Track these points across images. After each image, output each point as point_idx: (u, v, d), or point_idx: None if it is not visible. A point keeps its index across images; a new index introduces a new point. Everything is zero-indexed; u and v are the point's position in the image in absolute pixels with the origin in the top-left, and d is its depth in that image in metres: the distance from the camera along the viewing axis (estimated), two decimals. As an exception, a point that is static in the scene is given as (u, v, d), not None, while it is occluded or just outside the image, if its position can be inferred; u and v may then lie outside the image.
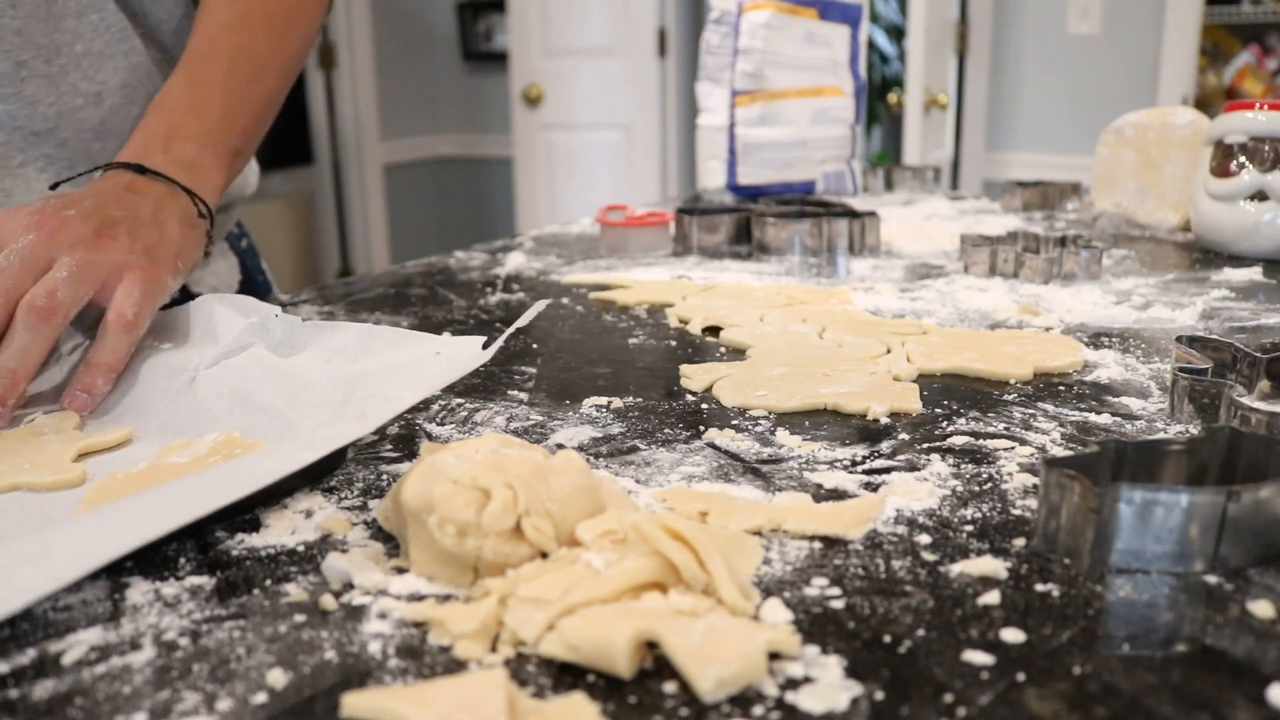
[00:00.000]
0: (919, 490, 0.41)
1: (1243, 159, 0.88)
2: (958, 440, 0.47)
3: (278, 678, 0.29)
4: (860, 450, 0.46)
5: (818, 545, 0.37)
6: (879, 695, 0.28)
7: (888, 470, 0.44)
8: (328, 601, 0.33)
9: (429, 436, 0.49)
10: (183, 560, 0.36)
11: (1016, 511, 0.39)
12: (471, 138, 3.74)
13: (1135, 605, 0.32)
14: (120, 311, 0.53)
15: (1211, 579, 0.34)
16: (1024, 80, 2.92)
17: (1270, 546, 0.34)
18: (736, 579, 0.32)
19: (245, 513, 0.40)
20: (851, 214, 0.96)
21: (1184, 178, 1.03)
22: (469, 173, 3.76)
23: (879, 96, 3.89)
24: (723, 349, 0.65)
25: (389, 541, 0.38)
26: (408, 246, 3.55)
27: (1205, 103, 3.11)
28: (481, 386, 0.57)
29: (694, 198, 1.24)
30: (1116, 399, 0.53)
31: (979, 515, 0.39)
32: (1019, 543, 0.37)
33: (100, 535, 0.33)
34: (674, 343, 0.66)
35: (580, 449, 0.47)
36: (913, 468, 0.44)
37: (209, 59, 0.69)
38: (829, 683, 0.28)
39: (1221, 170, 0.89)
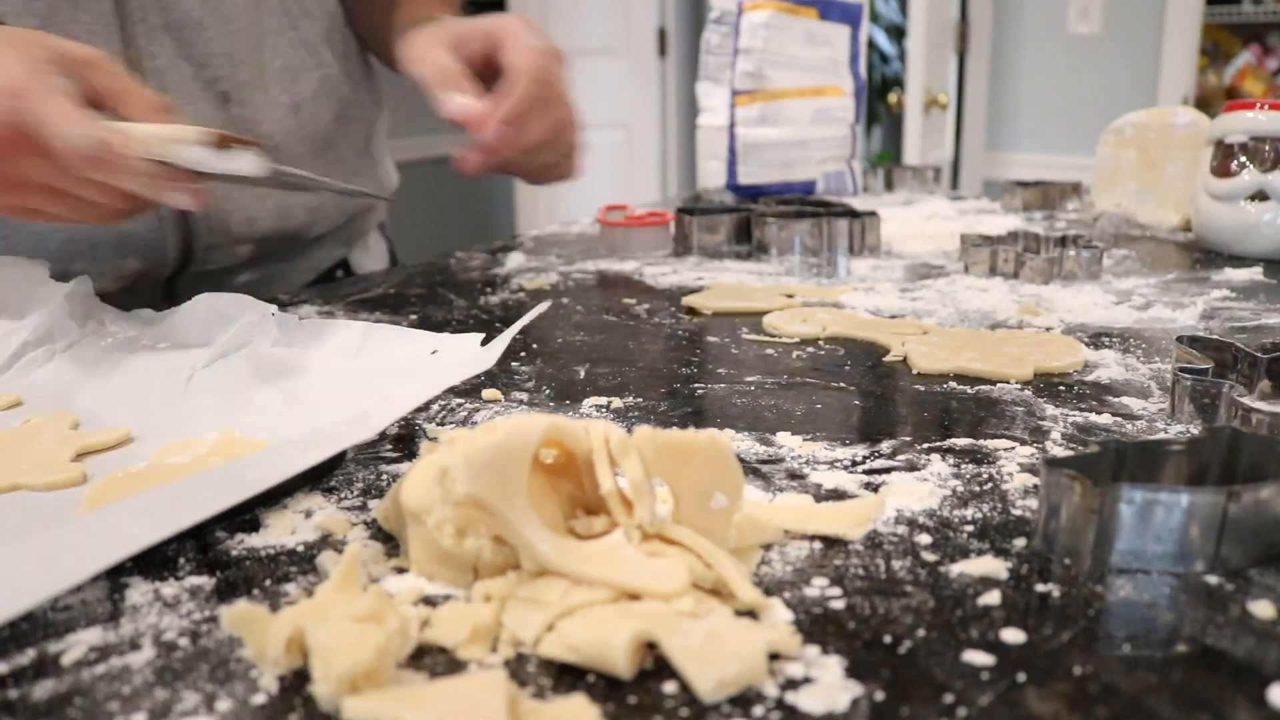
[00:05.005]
0: (919, 490, 0.41)
1: (1243, 159, 0.88)
2: (958, 440, 0.47)
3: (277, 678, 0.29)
4: (860, 450, 0.46)
5: (818, 545, 0.37)
6: (879, 695, 0.28)
7: (888, 470, 0.44)
8: (327, 601, 0.33)
9: (429, 436, 0.49)
10: (182, 560, 0.36)
11: (1016, 511, 0.39)
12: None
13: (1135, 605, 0.32)
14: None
15: (1212, 579, 0.34)
16: (1024, 80, 2.92)
17: (1271, 546, 0.34)
18: (746, 576, 0.32)
19: (245, 513, 0.40)
20: (851, 214, 0.96)
21: (1184, 178, 1.03)
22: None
23: (879, 96, 3.88)
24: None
25: (389, 541, 0.38)
26: (407, 246, 3.54)
27: (1205, 103, 3.11)
28: (482, 386, 0.57)
29: (694, 198, 1.23)
30: (1117, 399, 0.53)
31: (979, 515, 0.39)
32: (1019, 543, 0.37)
33: (106, 537, 0.33)
34: (675, 343, 0.66)
35: (580, 449, 0.47)
36: (913, 468, 0.44)
37: None
38: (829, 683, 0.28)
39: (1222, 170, 0.89)
